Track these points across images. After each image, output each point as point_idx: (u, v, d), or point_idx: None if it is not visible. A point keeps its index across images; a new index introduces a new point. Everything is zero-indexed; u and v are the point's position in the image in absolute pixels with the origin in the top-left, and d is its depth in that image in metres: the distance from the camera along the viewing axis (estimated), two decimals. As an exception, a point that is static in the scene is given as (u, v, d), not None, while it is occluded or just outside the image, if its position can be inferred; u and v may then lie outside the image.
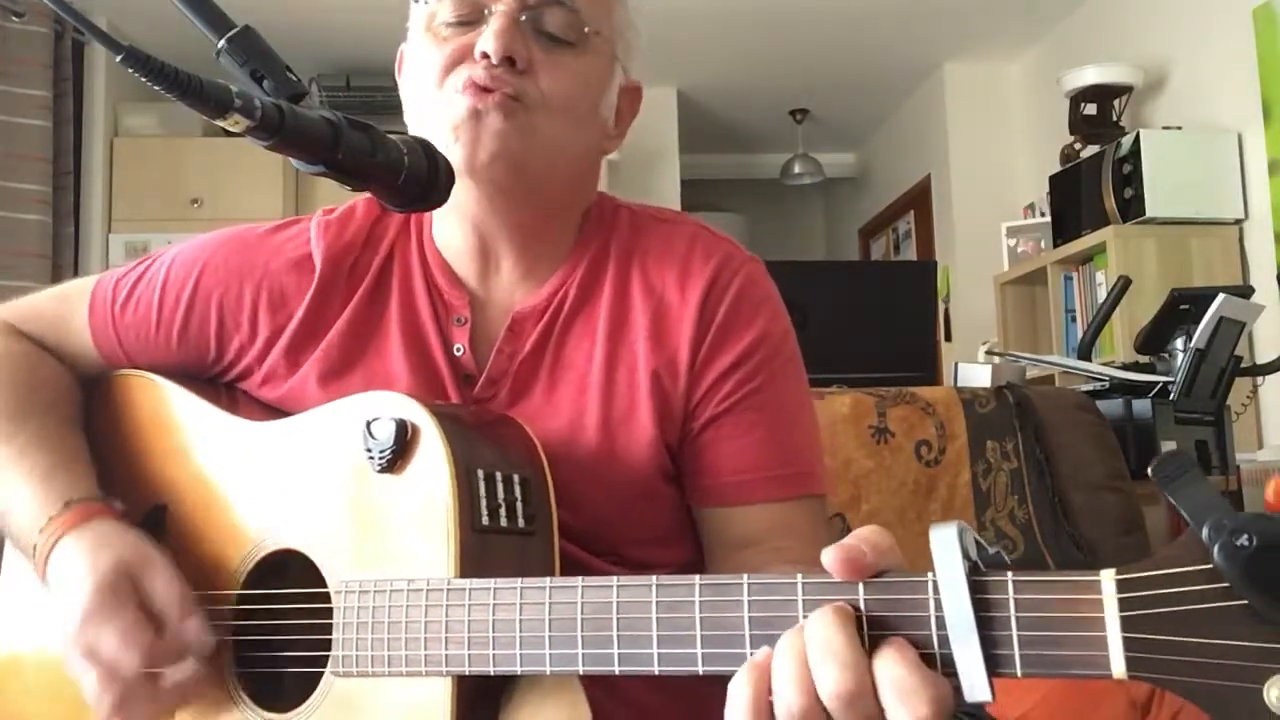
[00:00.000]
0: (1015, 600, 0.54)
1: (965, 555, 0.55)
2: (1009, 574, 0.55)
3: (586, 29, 0.91)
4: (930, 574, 0.57)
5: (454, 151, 0.88)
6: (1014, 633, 0.54)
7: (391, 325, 0.96)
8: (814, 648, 0.57)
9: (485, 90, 0.88)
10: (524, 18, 0.90)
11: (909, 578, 0.58)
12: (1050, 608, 0.54)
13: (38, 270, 4.04)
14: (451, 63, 0.90)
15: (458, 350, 0.95)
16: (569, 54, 0.91)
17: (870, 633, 0.58)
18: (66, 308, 1.02)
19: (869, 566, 0.58)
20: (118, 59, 0.63)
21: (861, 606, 0.58)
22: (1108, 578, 0.53)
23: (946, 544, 0.56)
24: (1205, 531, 0.50)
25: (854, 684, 0.56)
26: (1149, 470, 0.52)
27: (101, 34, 0.66)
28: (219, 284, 0.97)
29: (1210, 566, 0.50)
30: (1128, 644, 0.52)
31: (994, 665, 0.55)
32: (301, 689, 0.82)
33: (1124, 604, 0.52)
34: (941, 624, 0.56)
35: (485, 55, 0.88)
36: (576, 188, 0.98)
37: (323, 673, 0.80)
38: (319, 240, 0.97)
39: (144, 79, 0.64)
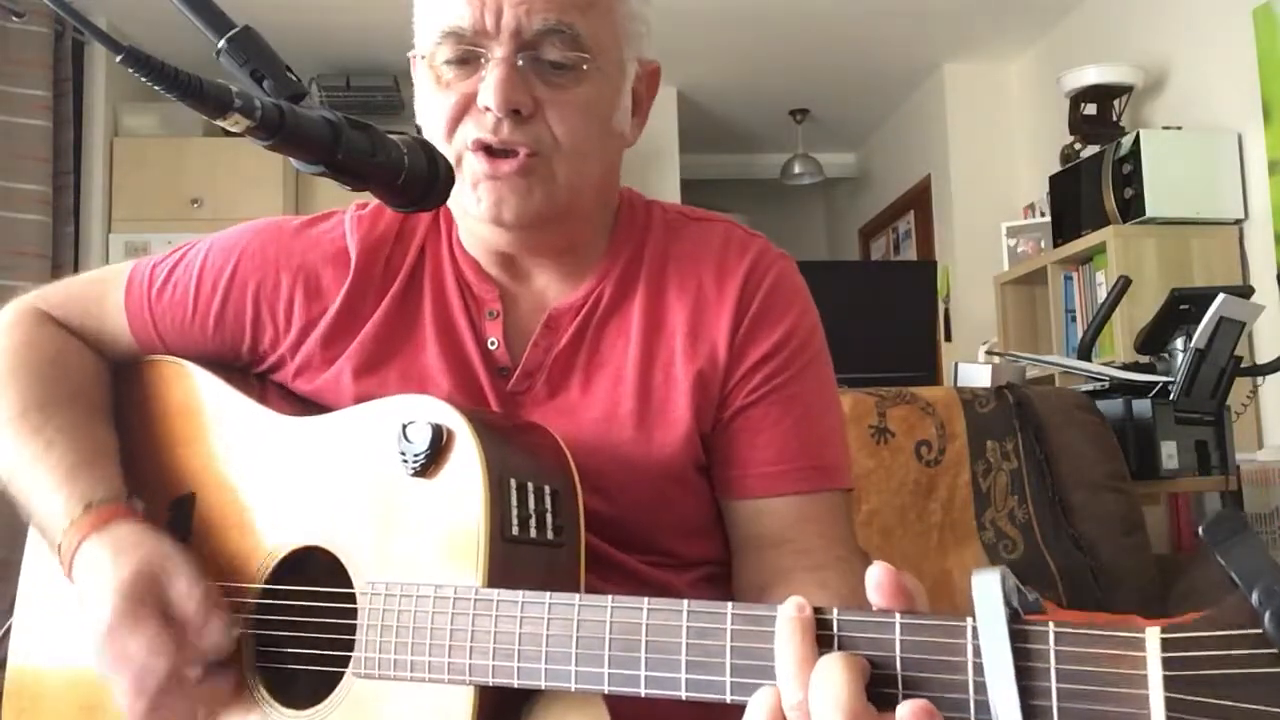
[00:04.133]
0: (1056, 652, 0.53)
1: (1006, 602, 0.54)
2: (1050, 624, 0.54)
3: (589, 53, 0.89)
4: (969, 619, 0.56)
5: (476, 208, 0.89)
6: (1053, 684, 0.53)
7: (425, 320, 0.96)
8: (815, 691, 0.57)
9: (499, 155, 0.88)
10: (521, 61, 0.88)
11: (948, 621, 0.57)
12: (1092, 661, 0.52)
13: (38, 270, 4.04)
14: (458, 113, 0.89)
15: (492, 344, 0.96)
16: (573, 81, 0.89)
17: (904, 674, 0.57)
18: (101, 291, 1.03)
19: (910, 598, 0.58)
20: (118, 59, 0.63)
21: (897, 648, 0.57)
22: (1153, 635, 0.51)
23: (988, 590, 0.55)
24: (1256, 596, 0.49)
25: None
26: (1200, 530, 0.51)
27: (101, 34, 0.66)
28: (255, 272, 0.98)
29: (1259, 631, 0.49)
30: (1170, 704, 0.50)
31: (1030, 716, 0.54)
32: (319, 687, 0.81)
33: (1168, 663, 0.51)
34: (979, 670, 0.55)
35: (489, 108, 0.87)
36: (603, 197, 0.98)
37: (343, 672, 0.80)
38: (353, 233, 0.98)
39: (144, 79, 0.64)
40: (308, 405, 0.97)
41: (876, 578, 0.58)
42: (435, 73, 0.91)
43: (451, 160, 0.89)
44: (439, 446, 0.79)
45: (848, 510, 0.99)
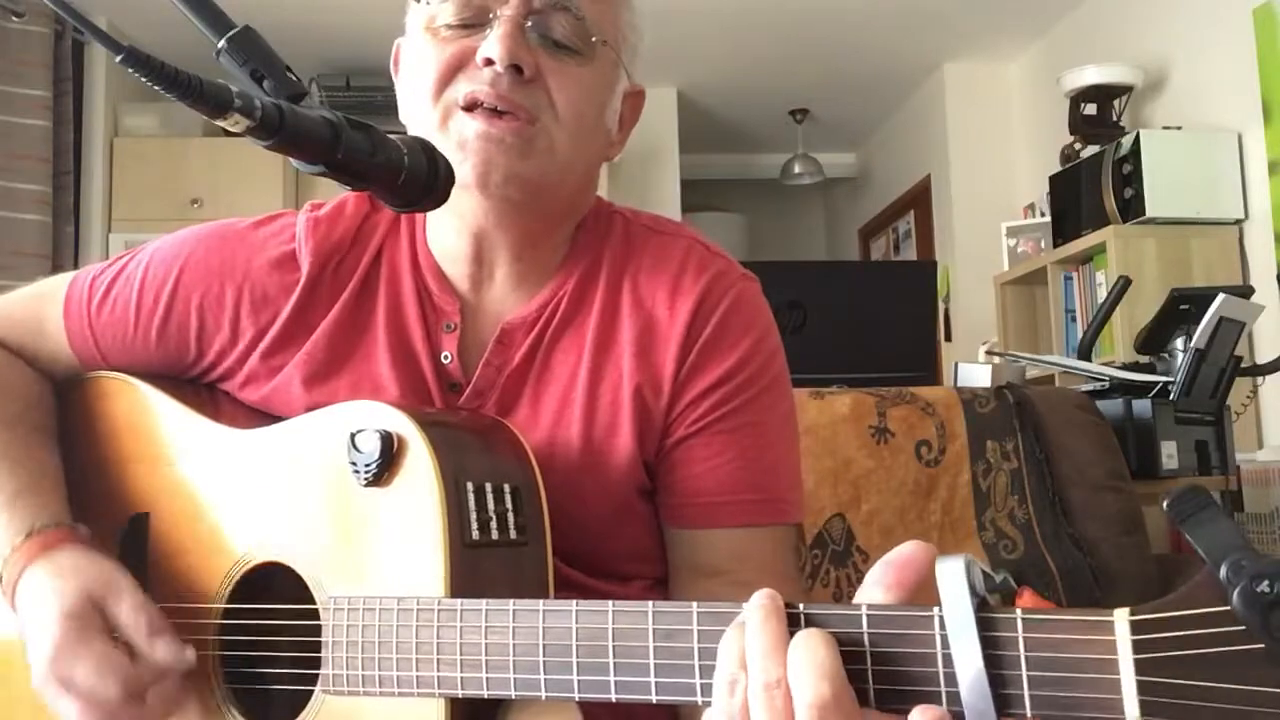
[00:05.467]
0: (1025, 639, 0.53)
1: (973, 590, 0.54)
2: (1018, 612, 0.53)
3: (593, 38, 0.89)
4: (937, 609, 0.55)
5: (462, 168, 0.85)
6: (1024, 673, 0.52)
7: (378, 328, 0.93)
8: (795, 664, 0.56)
9: (495, 114, 0.85)
10: (529, 24, 0.86)
11: (915, 612, 0.56)
12: (1061, 647, 0.52)
13: (38, 270, 4.02)
14: (450, 68, 0.87)
15: (445, 358, 0.93)
16: (575, 62, 0.88)
17: (874, 667, 0.56)
18: (39, 308, 0.99)
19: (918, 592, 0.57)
20: (118, 59, 0.63)
21: (866, 642, 0.56)
22: (1121, 618, 0.51)
23: (953, 579, 0.54)
24: (1223, 573, 0.48)
25: (834, 691, 0.55)
26: (1164, 505, 0.50)
27: (101, 34, 0.65)
28: (199, 283, 0.94)
29: (1227, 609, 0.48)
30: (1142, 687, 0.50)
31: (1002, 706, 0.53)
32: (292, 703, 0.80)
33: (1138, 645, 0.50)
34: (949, 661, 0.54)
35: (489, 61, 0.85)
36: (579, 197, 0.96)
37: (313, 689, 0.79)
38: (308, 239, 0.94)
39: (144, 79, 0.63)
40: (258, 415, 0.95)
41: (909, 554, 0.57)
42: (433, 33, 0.88)
43: (435, 122, 0.87)
44: (390, 455, 0.77)
45: (793, 544, 0.95)
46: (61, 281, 1.00)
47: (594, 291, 0.94)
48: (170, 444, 0.93)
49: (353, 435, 0.79)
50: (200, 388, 0.98)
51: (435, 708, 0.73)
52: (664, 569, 0.95)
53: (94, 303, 0.97)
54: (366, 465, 0.78)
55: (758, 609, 0.58)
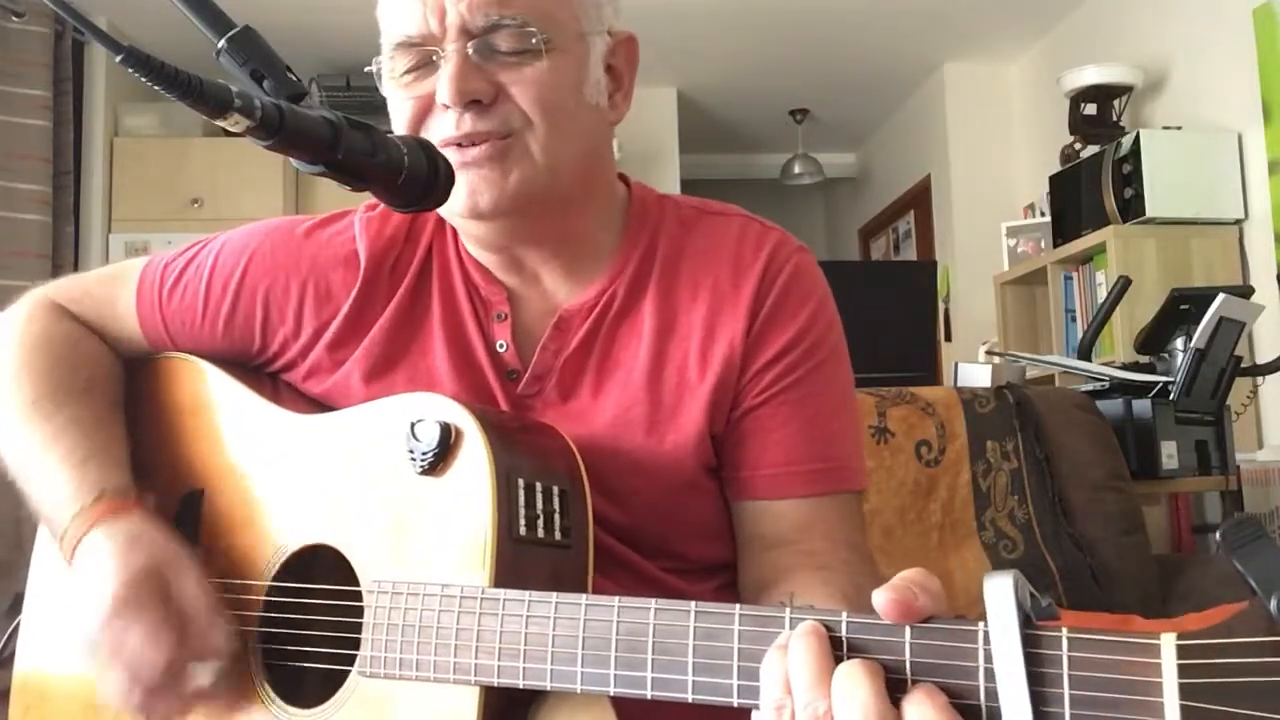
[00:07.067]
0: (1069, 658, 0.52)
1: (1019, 607, 0.53)
2: (1064, 630, 0.53)
3: (541, 33, 0.87)
4: (981, 624, 0.55)
5: (456, 201, 0.87)
6: (1065, 691, 0.52)
7: (434, 323, 0.96)
8: (839, 699, 0.56)
9: (468, 144, 0.87)
10: (472, 51, 0.86)
11: (959, 625, 0.56)
12: (1105, 668, 0.51)
13: (38, 270, 4.03)
14: (419, 115, 0.89)
15: (500, 346, 0.95)
16: (532, 61, 0.88)
17: (914, 678, 0.56)
18: (113, 290, 1.03)
19: (919, 611, 0.57)
20: (118, 59, 0.63)
21: (907, 652, 0.56)
22: (1168, 642, 0.50)
23: (1001, 594, 0.54)
24: (1275, 603, 0.48)
25: None
26: (1218, 535, 0.50)
27: (101, 34, 0.66)
28: (265, 276, 0.98)
29: (1277, 639, 0.48)
30: (1185, 713, 0.49)
31: None
32: (326, 686, 0.81)
33: (1184, 670, 0.50)
34: (990, 676, 0.54)
35: (447, 106, 0.86)
36: (590, 175, 0.95)
37: (349, 671, 0.80)
38: (362, 236, 0.97)
39: (144, 79, 0.64)
40: (318, 405, 0.97)
41: (879, 606, 0.57)
42: (397, 83, 0.90)
43: None
44: (447, 445, 0.79)
45: (858, 511, 0.97)
46: (137, 264, 1.04)
47: (651, 276, 0.96)
48: (231, 424, 0.96)
49: (412, 424, 0.80)
50: (264, 376, 1.01)
51: (469, 695, 0.73)
52: (732, 551, 0.96)
53: (165, 289, 1.01)
54: (423, 454, 0.79)
55: (800, 639, 0.58)
